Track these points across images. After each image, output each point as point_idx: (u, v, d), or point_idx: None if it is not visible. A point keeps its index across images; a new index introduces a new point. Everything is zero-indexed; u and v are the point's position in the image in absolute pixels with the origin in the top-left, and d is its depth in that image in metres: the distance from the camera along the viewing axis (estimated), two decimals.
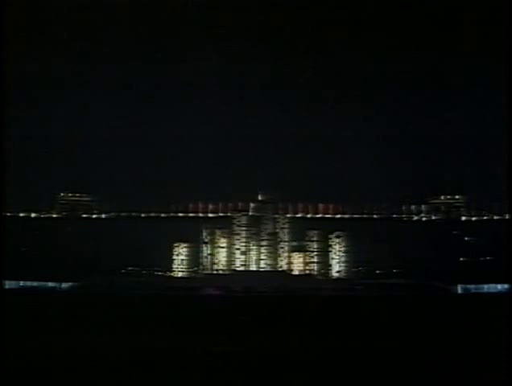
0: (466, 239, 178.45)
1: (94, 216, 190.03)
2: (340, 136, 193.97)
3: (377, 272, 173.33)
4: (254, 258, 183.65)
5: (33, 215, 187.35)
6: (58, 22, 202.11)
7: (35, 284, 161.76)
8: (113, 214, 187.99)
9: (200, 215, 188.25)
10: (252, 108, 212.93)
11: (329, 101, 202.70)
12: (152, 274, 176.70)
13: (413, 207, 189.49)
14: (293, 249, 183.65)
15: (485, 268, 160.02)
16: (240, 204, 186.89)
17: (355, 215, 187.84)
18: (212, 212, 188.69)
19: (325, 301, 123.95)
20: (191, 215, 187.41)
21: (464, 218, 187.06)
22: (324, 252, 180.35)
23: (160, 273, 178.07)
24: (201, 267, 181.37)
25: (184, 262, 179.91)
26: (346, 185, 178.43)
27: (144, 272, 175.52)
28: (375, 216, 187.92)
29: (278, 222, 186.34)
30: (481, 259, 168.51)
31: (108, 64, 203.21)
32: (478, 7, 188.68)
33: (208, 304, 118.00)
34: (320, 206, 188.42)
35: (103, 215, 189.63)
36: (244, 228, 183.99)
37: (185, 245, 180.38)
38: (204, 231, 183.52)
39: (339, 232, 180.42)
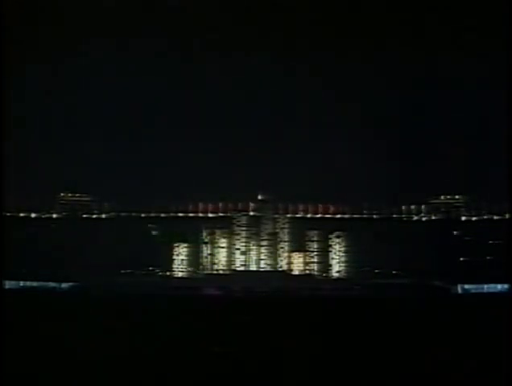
0: (466, 239, 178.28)
1: (94, 216, 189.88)
2: (340, 136, 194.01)
3: (377, 272, 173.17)
4: (254, 258, 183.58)
5: (33, 215, 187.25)
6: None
7: (34, 284, 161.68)
8: (113, 214, 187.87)
9: (200, 215, 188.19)
10: (252, 107, 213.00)
11: (329, 101, 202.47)
12: (152, 274, 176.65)
13: (413, 207, 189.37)
14: (293, 249, 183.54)
15: (485, 268, 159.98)
16: (240, 204, 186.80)
17: (355, 215, 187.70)
18: (212, 212, 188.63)
19: (325, 301, 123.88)
20: (191, 215, 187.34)
21: (464, 218, 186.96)
22: (324, 252, 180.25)
23: (160, 273, 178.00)
24: (201, 267, 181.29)
25: (184, 262, 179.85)
26: (346, 185, 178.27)
27: (144, 272, 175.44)
28: (375, 216, 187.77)
29: (278, 222, 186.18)
30: (481, 259, 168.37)
31: (108, 64, 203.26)
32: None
33: (208, 304, 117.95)
34: (320, 206, 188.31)
35: (103, 215, 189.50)
36: (244, 228, 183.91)
37: (185, 245, 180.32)
38: (204, 231, 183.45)
39: (339, 232, 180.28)
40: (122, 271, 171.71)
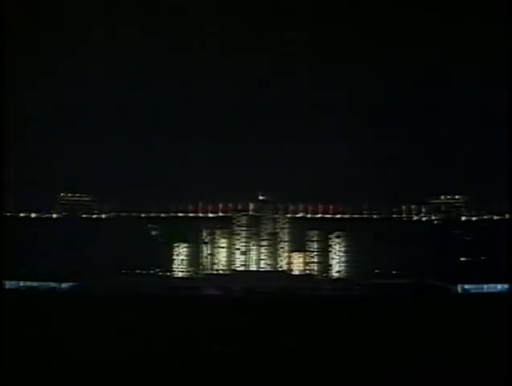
0: (466, 239, 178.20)
1: (94, 216, 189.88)
2: (340, 136, 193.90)
3: (377, 272, 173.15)
4: (254, 258, 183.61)
5: (33, 215, 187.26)
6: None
7: (34, 284, 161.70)
8: (113, 214, 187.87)
9: (200, 215, 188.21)
10: (252, 107, 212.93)
11: (329, 101, 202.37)
12: (152, 274, 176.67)
13: (413, 207, 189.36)
14: (293, 249, 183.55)
15: (485, 268, 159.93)
16: (240, 204, 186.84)
17: (355, 215, 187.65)
18: (212, 212, 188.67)
19: (325, 301, 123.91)
20: (191, 215, 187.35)
21: (464, 218, 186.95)
22: (324, 252, 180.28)
23: (160, 273, 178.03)
24: (201, 267, 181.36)
25: (184, 262, 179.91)
26: (346, 185, 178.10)
27: (144, 272, 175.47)
28: (375, 216, 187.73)
29: (278, 222, 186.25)
30: (481, 259, 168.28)
31: (107, 64, 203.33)
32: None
33: (208, 304, 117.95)
34: (320, 206, 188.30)
35: (103, 215, 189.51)
36: (244, 228, 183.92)
37: (185, 245, 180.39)
38: (204, 231, 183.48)
39: (339, 232, 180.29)
40: (122, 271, 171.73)
